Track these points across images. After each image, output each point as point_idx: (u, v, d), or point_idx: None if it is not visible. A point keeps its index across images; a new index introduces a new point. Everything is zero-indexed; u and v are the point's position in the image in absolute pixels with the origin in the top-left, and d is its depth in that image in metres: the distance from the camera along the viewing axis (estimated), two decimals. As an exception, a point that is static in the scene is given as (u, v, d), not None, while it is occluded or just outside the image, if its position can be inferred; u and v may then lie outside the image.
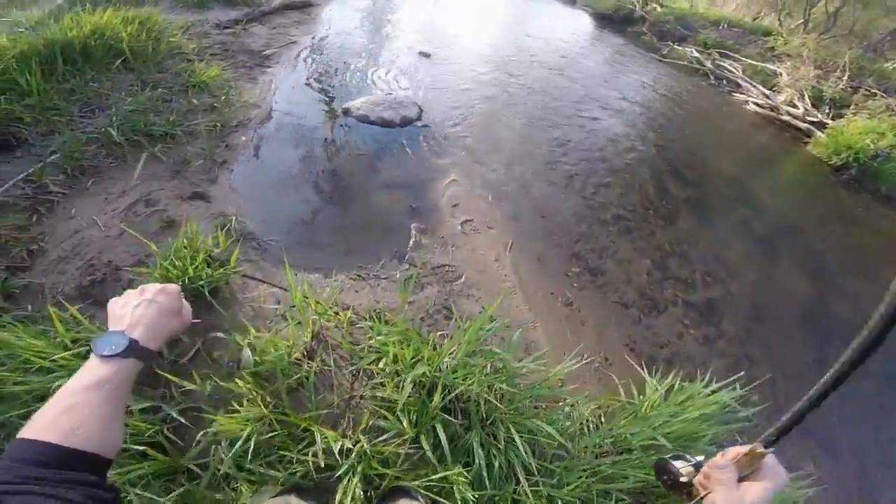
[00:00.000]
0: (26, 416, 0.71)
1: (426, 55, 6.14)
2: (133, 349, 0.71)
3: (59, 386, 0.70)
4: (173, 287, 0.89)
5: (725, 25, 9.45)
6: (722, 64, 7.95)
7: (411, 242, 2.90)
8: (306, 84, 4.65)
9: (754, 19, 11.00)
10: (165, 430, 1.58)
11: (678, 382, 1.88)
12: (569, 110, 5.32)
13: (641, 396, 1.90)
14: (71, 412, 0.56)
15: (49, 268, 2.25)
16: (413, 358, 1.73)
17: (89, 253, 2.33)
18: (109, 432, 0.60)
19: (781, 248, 3.63)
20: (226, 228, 2.55)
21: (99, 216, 2.52)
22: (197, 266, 2.07)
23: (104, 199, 2.64)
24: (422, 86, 5.17)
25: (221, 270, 2.15)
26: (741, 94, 7.14)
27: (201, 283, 2.06)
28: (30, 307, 2.02)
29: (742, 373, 1.81)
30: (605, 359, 2.28)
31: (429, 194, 3.39)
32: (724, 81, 7.50)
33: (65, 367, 1.61)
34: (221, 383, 1.65)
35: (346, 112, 4.27)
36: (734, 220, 3.89)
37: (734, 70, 7.69)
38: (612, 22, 10.16)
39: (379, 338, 1.99)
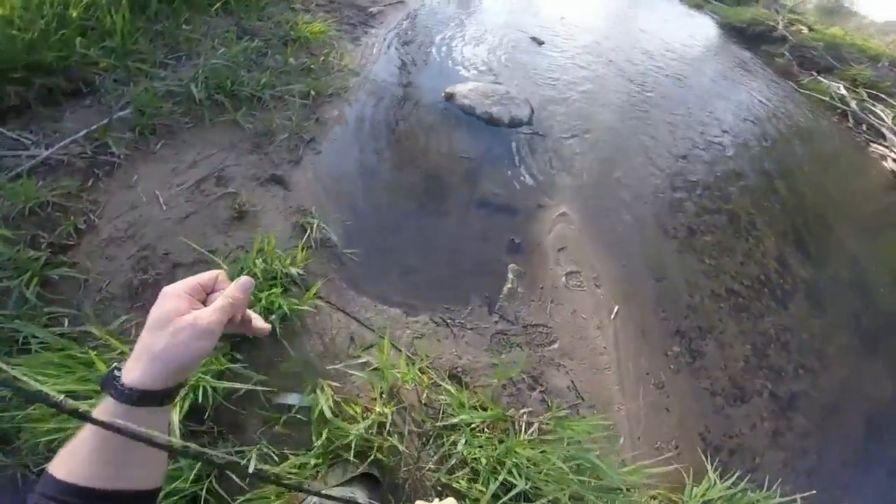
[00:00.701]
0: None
1: (539, 42, 5.40)
2: (128, 396, 0.47)
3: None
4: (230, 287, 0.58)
5: (885, 63, 8.01)
6: (870, 107, 6.71)
7: (506, 289, 2.36)
8: (409, 55, 4.09)
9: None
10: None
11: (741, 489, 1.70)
12: (692, 132, 4.44)
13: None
14: (92, 452, 0.46)
15: (97, 250, 1.85)
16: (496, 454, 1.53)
17: (145, 237, 1.92)
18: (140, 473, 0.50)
19: (882, 346, 2.96)
20: (306, 236, 2.06)
21: (162, 191, 2.10)
22: (271, 294, 1.60)
23: (172, 168, 2.22)
24: (533, 79, 4.46)
25: (295, 302, 1.66)
26: (882, 146, 5.95)
27: (272, 317, 1.58)
28: (66, 300, 1.62)
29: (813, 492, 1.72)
30: (675, 446, 2.00)
31: (533, 226, 2.79)
32: (865, 127, 6.33)
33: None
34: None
35: (450, 98, 3.68)
36: (845, 310, 3.13)
37: (883, 117, 6.48)
38: (742, 36, 8.80)
39: (461, 417, 1.66)
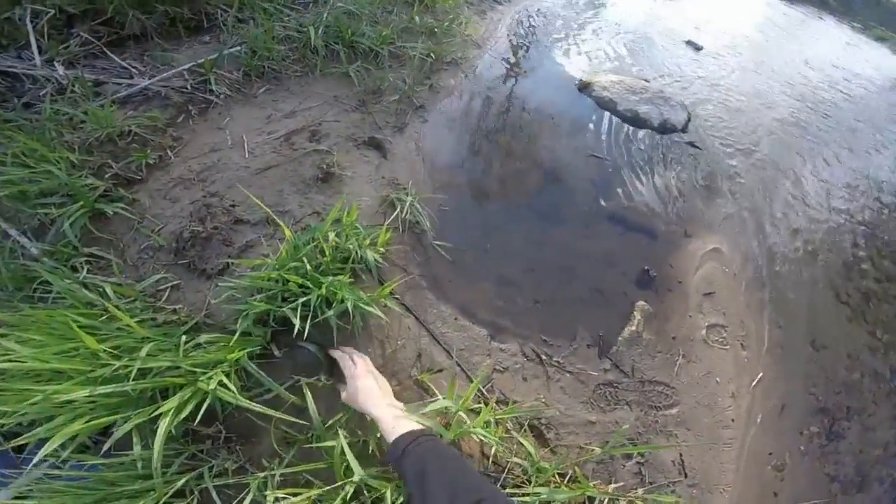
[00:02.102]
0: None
1: (697, 47, 4.63)
2: None
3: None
4: None
5: None
6: None
7: (628, 331, 1.82)
8: (536, 38, 3.59)
9: None
10: None
11: None
12: (880, 174, 3.50)
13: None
14: None
15: (163, 189, 1.60)
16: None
17: (216, 184, 1.63)
18: None
19: None
20: (394, 214, 1.63)
21: (250, 137, 1.82)
22: (335, 281, 1.18)
23: (268, 115, 1.94)
24: (688, 85, 3.74)
25: (363, 298, 1.22)
26: None
27: (330, 312, 1.16)
28: (113, 242, 1.37)
29: None
30: None
31: (675, 258, 2.18)
32: None
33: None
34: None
35: (585, 87, 3.10)
36: None
37: None
38: None
39: (537, 489, 1.24)
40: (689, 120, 3.17)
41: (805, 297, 2.31)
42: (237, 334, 1.20)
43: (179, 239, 1.47)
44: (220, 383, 1.09)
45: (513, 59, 3.13)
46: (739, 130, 3.37)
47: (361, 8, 2.53)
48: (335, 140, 1.89)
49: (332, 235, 1.38)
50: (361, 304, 1.27)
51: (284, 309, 1.21)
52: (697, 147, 2.97)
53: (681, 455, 1.59)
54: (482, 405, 1.41)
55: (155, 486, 1.03)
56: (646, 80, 3.42)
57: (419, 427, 1.02)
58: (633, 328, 1.81)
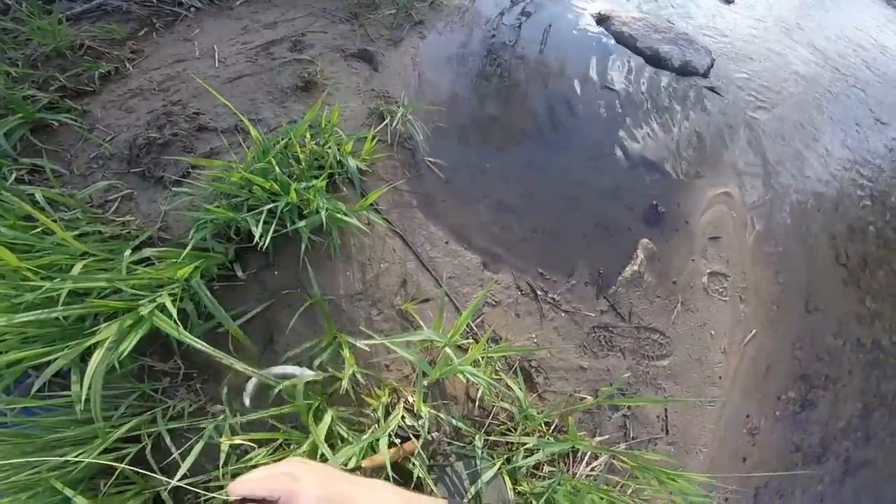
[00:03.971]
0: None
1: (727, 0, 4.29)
2: None
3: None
4: None
5: None
6: None
7: (629, 270, 1.64)
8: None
9: None
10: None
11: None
12: (891, 150, 3.26)
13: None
14: None
15: (118, 101, 1.40)
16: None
17: (180, 93, 1.42)
18: None
19: None
20: (383, 124, 1.41)
21: (223, 47, 1.60)
22: (310, 187, 0.98)
23: (244, 26, 1.71)
24: (716, 33, 3.46)
25: (341, 209, 1.01)
26: None
27: (303, 222, 0.95)
28: (58, 153, 1.17)
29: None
30: (725, 499, 1.53)
31: (684, 198, 1.99)
32: None
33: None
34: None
35: (604, 21, 2.82)
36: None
37: None
38: None
39: (521, 438, 1.12)
40: (712, 65, 2.89)
41: (807, 255, 2.15)
42: (188, 248, 0.99)
43: (133, 146, 1.27)
44: (161, 308, 0.89)
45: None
46: (763, 84, 3.11)
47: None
48: (320, 50, 1.66)
49: (308, 140, 1.17)
50: (338, 215, 1.06)
51: (247, 217, 1.01)
52: (718, 93, 2.71)
53: (666, 411, 1.47)
54: (471, 341, 1.22)
55: (97, 431, 0.85)
56: (670, 22, 3.12)
57: None
58: (636, 267, 1.63)
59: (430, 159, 1.51)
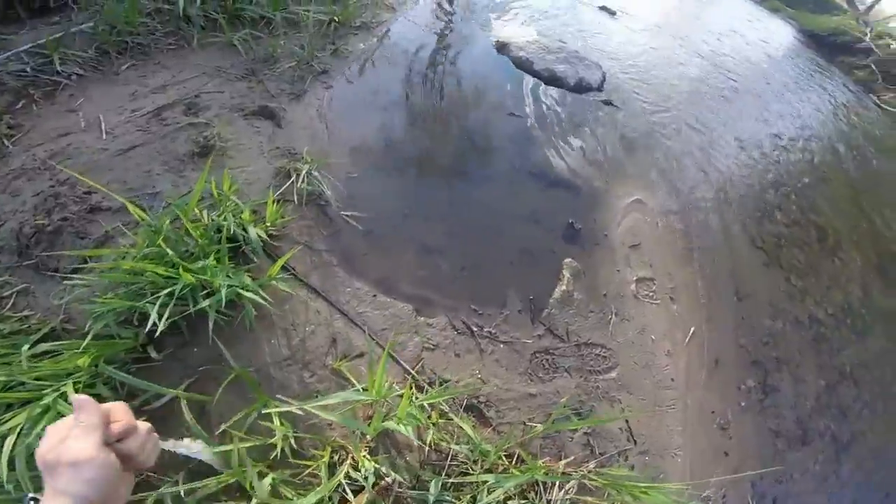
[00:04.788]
0: None
1: (610, 12, 4.74)
2: None
3: None
4: (122, 427, 0.52)
5: None
6: None
7: (559, 291, 1.72)
8: (456, 3, 3.44)
9: None
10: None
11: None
12: (781, 128, 3.80)
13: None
14: None
15: (2, 182, 1.29)
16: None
17: (65, 171, 1.34)
18: None
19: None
20: (288, 183, 1.44)
21: (110, 116, 1.55)
22: (216, 255, 0.99)
23: (132, 92, 1.67)
24: (604, 47, 3.80)
25: (247, 284, 1.03)
26: None
27: (213, 297, 0.97)
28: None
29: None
30: (723, 495, 1.59)
31: (599, 212, 2.12)
32: None
33: None
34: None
35: (502, 48, 3.01)
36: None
37: None
38: (820, 44, 8.22)
39: (481, 477, 1.11)
40: (604, 79, 3.16)
41: (725, 245, 2.32)
42: (88, 338, 0.98)
43: (20, 236, 1.20)
44: (63, 396, 0.89)
45: (430, 22, 2.97)
46: (653, 89, 3.41)
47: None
48: (217, 112, 1.65)
49: (204, 213, 1.17)
50: (241, 291, 1.08)
51: (143, 304, 1.01)
52: (614, 105, 2.96)
53: (627, 422, 1.51)
54: (412, 389, 1.27)
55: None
56: (562, 42, 3.38)
57: None
58: (564, 287, 1.71)
59: (346, 213, 1.53)
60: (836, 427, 1.99)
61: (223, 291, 1.01)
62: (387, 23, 2.69)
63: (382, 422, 1.06)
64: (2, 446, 0.84)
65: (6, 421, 0.85)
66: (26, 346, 0.98)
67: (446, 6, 3.31)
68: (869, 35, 8.17)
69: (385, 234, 1.58)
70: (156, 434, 0.57)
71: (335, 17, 2.33)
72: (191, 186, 1.38)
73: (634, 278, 1.91)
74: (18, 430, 0.85)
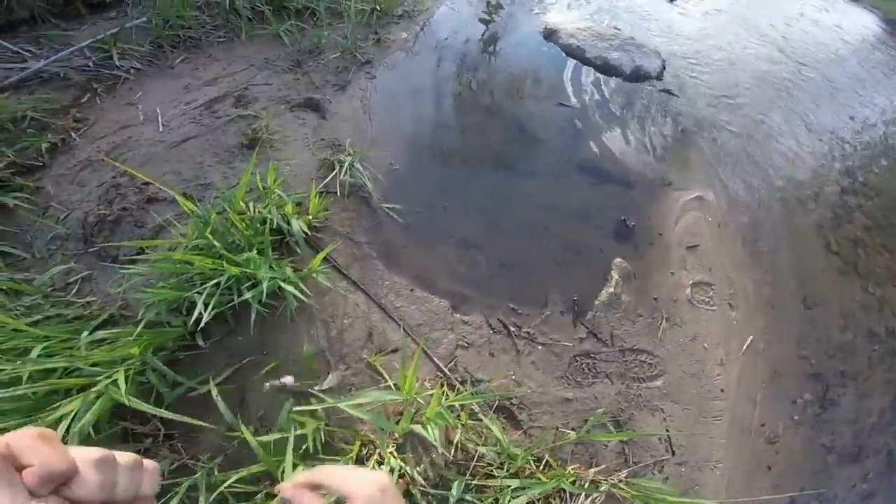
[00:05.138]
0: None
1: None
2: None
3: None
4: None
5: None
6: None
7: (606, 293, 1.62)
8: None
9: None
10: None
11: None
12: (862, 123, 3.37)
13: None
14: None
15: (68, 174, 1.41)
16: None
17: (127, 162, 1.42)
18: None
19: None
20: (331, 176, 1.44)
21: (166, 109, 1.61)
22: (258, 247, 1.01)
23: (185, 84, 1.72)
24: (663, 34, 3.56)
25: (290, 277, 1.04)
26: None
27: (248, 294, 0.98)
28: (20, 235, 1.20)
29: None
30: None
31: (654, 209, 1.97)
32: None
33: None
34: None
35: (551, 35, 2.88)
36: None
37: None
38: None
39: (504, 481, 1.09)
40: (663, 67, 2.96)
41: (794, 249, 2.11)
42: (140, 326, 1.02)
43: (85, 225, 1.27)
44: (115, 383, 0.93)
45: (475, 7, 2.89)
46: (718, 79, 3.15)
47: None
48: (265, 104, 1.68)
49: (250, 205, 1.19)
50: (283, 284, 1.08)
51: (191, 294, 1.04)
52: (674, 94, 2.77)
53: (668, 431, 1.41)
54: (444, 388, 1.24)
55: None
56: (616, 28, 3.20)
57: None
58: (611, 289, 1.61)
59: (387, 205, 1.52)
60: (895, 444, 1.79)
61: (265, 284, 1.02)
62: (429, 11, 2.65)
63: (411, 422, 1.05)
64: (57, 430, 0.90)
65: (63, 405, 0.90)
66: (86, 333, 1.04)
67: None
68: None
69: (425, 227, 1.55)
70: (150, 463, 0.35)
71: (377, 6, 2.31)
72: (240, 178, 1.41)
73: (690, 282, 1.76)
74: (73, 414, 0.90)
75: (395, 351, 1.29)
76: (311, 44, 1.99)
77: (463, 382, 1.28)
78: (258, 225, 1.16)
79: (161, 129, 1.54)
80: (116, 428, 1.02)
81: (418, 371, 1.23)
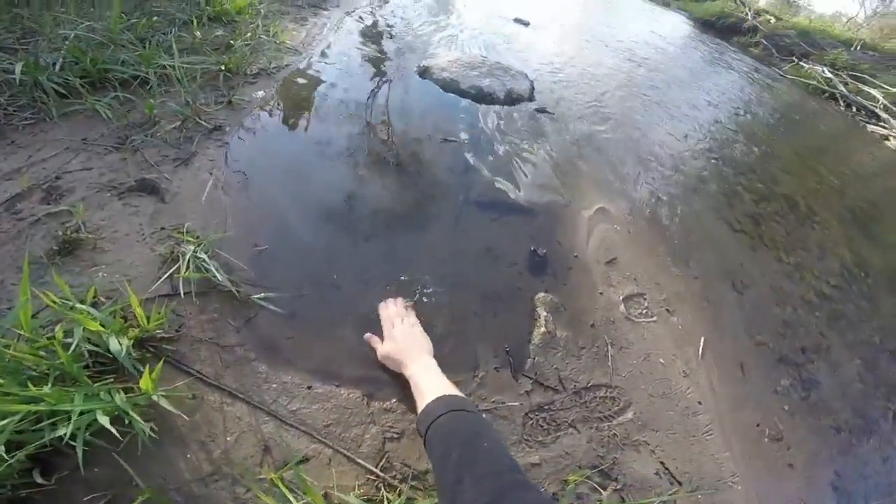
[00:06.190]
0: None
1: (524, 23, 5.00)
2: None
3: None
4: None
5: (858, 47, 8.33)
6: (858, 88, 6.55)
7: (537, 334, 1.46)
8: (371, 34, 3.34)
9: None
10: None
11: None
12: (715, 113, 4.01)
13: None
14: None
15: None
16: None
17: None
18: None
19: None
20: (173, 270, 1.18)
21: (-58, 220, 1.23)
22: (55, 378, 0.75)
23: (-25, 184, 1.34)
24: (525, 57, 3.87)
25: (121, 402, 0.78)
26: (880, 126, 5.72)
27: (63, 430, 0.72)
28: None
29: None
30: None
31: (562, 231, 1.91)
32: (856, 109, 6.23)
33: None
34: None
35: (425, 72, 2.87)
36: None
37: (876, 97, 6.26)
38: (713, 29, 9.08)
39: None
40: (533, 87, 3.09)
41: (705, 237, 2.19)
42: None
43: None
44: None
45: (341, 59, 2.78)
46: (583, 92, 3.41)
47: (117, 35, 1.99)
48: (83, 194, 1.35)
49: (55, 328, 0.90)
50: (100, 416, 0.81)
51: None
52: (549, 112, 2.88)
53: (662, 462, 1.27)
54: (383, 492, 1.01)
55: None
56: (483, 55, 3.29)
57: (451, 393, 0.96)
58: (543, 328, 1.46)
59: (259, 296, 1.25)
60: (890, 403, 1.80)
61: (72, 420, 0.76)
62: (291, 66, 2.46)
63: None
64: None
65: None
66: None
67: (360, 42, 3.15)
68: (749, 14, 9.06)
69: (314, 311, 1.31)
70: None
71: (224, 66, 2.09)
72: (55, 295, 1.10)
73: (621, 297, 1.68)
74: None
75: (305, 460, 1.04)
76: (143, 116, 1.70)
77: (403, 480, 1.05)
78: (61, 351, 0.87)
79: (-69, 250, 1.17)
80: None
81: (343, 480, 1.00)
